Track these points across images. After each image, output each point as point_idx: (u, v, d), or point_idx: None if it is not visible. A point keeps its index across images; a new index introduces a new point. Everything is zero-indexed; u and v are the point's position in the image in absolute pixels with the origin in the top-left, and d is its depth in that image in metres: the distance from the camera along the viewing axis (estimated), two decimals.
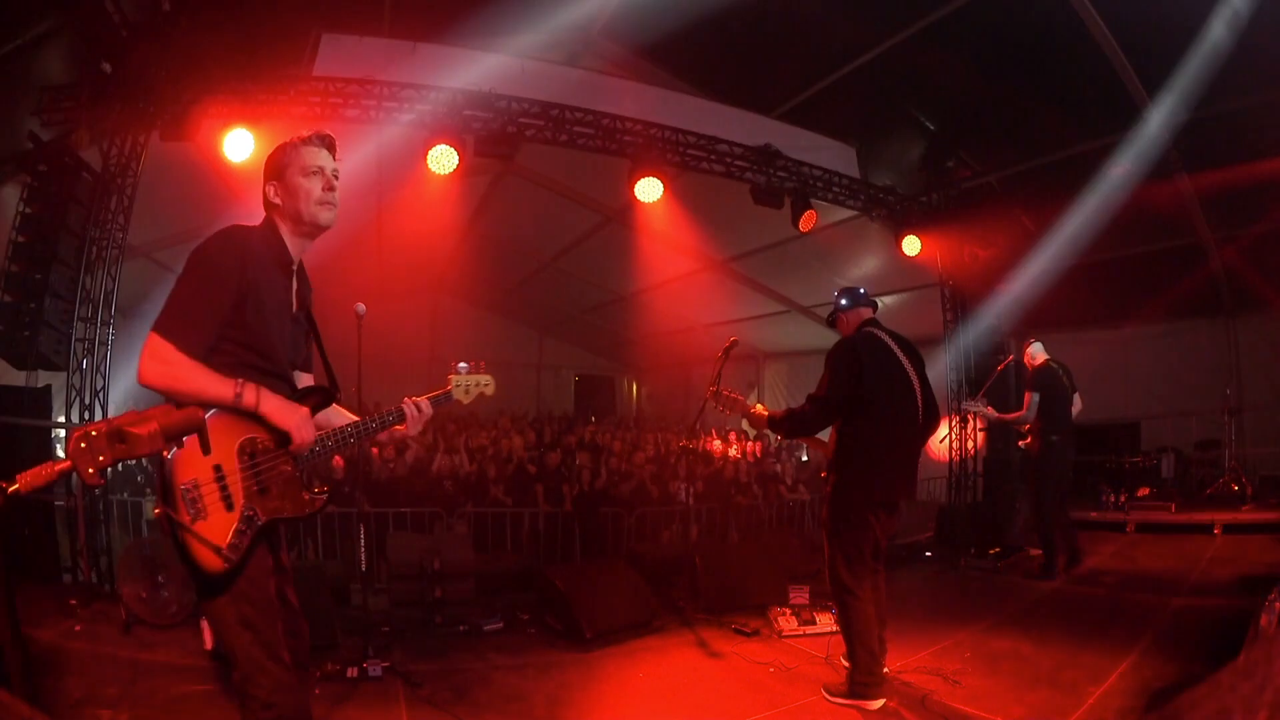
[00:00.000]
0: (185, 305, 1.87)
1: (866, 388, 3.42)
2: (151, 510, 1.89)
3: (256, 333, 1.98)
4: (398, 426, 2.27)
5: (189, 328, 1.85)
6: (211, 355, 1.91)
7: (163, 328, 1.82)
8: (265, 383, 1.98)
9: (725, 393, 3.72)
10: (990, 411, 6.01)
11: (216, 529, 1.82)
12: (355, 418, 2.26)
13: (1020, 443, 6.08)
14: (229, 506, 1.85)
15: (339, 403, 2.27)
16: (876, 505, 3.47)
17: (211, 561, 1.81)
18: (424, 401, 2.32)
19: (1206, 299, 8.66)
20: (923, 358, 3.67)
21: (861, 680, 3.36)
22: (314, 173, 2.09)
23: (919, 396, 3.57)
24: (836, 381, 3.45)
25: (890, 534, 3.65)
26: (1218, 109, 6.25)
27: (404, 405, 2.27)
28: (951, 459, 8.53)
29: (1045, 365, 5.89)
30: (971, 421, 8.48)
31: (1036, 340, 6.04)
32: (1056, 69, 6.52)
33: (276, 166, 2.11)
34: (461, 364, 2.46)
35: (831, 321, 3.88)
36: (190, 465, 1.81)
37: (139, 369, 1.80)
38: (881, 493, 3.48)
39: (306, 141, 2.12)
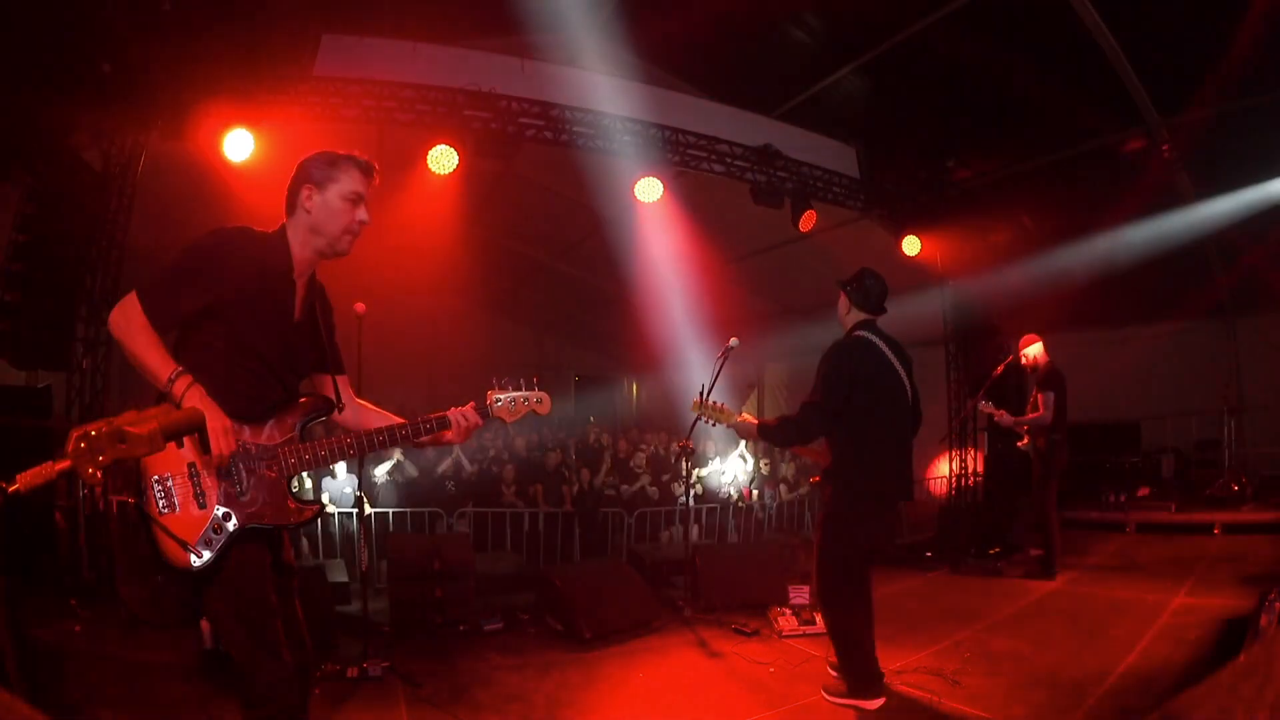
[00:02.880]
0: (166, 280, 1.95)
1: (863, 392, 3.38)
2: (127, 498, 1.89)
3: (247, 334, 1.99)
4: (445, 433, 2.21)
5: (160, 300, 1.92)
6: (203, 345, 1.95)
7: (141, 291, 1.92)
8: (252, 384, 2.00)
9: (711, 403, 3.63)
10: (1006, 416, 5.79)
11: (185, 525, 1.84)
12: (396, 419, 2.22)
13: (1019, 443, 5.97)
14: (201, 504, 1.87)
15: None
16: (876, 508, 3.46)
17: (179, 557, 1.83)
18: (470, 411, 2.24)
19: (1207, 299, 8.66)
20: (911, 360, 3.64)
21: (858, 682, 3.37)
22: (355, 200, 2.09)
23: (910, 400, 3.56)
24: (832, 386, 3.39)
25: (888, 537, 3.61)
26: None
27: (450, 414, 2.21)
28: (951, 459, 8.54)
29: (1053, 364, 5.81)
30: (971, 422, 8.48)
31: (1037, 339, 5.89)
32: (1057, 68, 6.53)
33: (321, 174, 2.07)
34: (509, 380, 2.30)
35: (843, 286, 3.68)
36: (164, 459, 1.83)
37: (110, 316, 1.95)
38: (881, 495, 3.48)
39: (358, 164, 2.10)
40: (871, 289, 3.61)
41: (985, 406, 5.84)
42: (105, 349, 5.40)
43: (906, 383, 3.54)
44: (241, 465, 1.93)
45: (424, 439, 2.20)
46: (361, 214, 2.10)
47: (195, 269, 1.95)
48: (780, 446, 3.79)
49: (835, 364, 3.43)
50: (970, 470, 8.50)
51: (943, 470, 8.93)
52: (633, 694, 3.66)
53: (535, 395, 2.33)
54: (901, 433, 3.54)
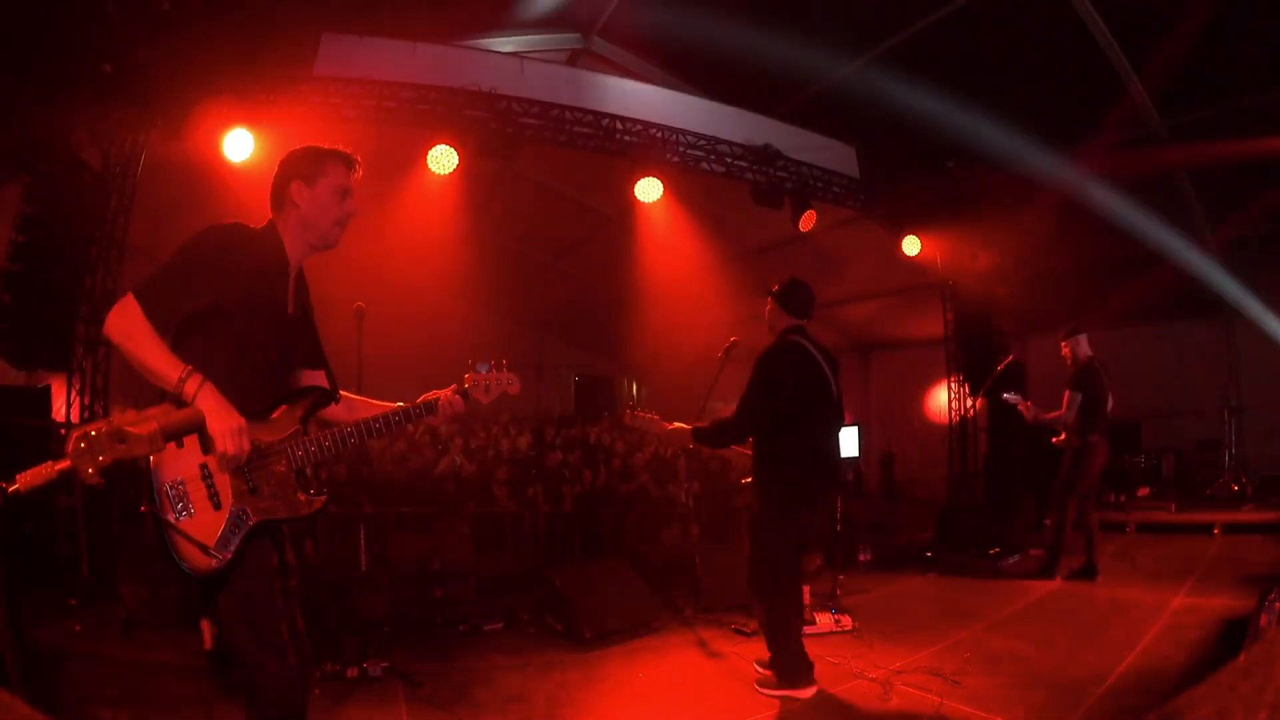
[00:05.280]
0: (165, 280, 1.90)
1: (793, 392, 3.57)
2: (139, 508, 1.87)
3: (248, 331, 1.99)
4: (428, 418, 2.32)
5: (160, 301, 1.87)
6: (204, 344, 1.92)
7: (139, 292, 1.86)
8: (256, 380, 2.00)
9: (640, 414, 3.81)
10: (1028, 410, 5.57)
11: (204, 528, 1.83)
12: (387, 405, 2.27)
13: (1054, 439, 5.69)
14: (216, 505, 1.86)
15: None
16: (802, 503, 3.62)
17: (200, 560, 1.82)
18: (454, 396, 2.34)
19: (1206, 299, 8.67)
20: (837, 363, 3.84)
21: (790, 672, 3.50)
22: (343, 194, 2.13)
23: (835, 401, 3.74)
24: (764, 389, 3.59)
25: (826, 529, 3.74)
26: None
27: (437, 400, 2.32)
28: (951, 458, 8.54)
29: (1089, 362, 5.50)
30: (972, 421, 8.48)
31: (1081, 332, 5.56)
32: (1057, 68, 6.53)
33: (311, 169, 2.10)
34: (481, 364, 2.42)
35: (770, 292, 3.87)
36: (176, 463, 1.82)
37: (107, 319, 1.86)
38: (810, 489, 3.63)
39: (345, 160, 2.14)
40: (800, 296, 3.81)
41: (1012, 397, 5.58)
42: (105, 349, 5.41)
43: (833, 384, 3.73)
44: (253, 462, 1.93)
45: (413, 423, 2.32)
46: (349, 206, 2.15)
47: (195, 267, 1.93)
48: (717, 448, 4.01)
49: (768, 366, 3.63)
50: (970, 470, 8.49)
51: (943, 469, 8.92)
52: (633, 694, 3.66)
53: (507, 377, 2.44)
54: (829, 430, 3.73)
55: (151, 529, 1.81)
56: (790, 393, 3.56)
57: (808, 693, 3.48)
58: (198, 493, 1.84)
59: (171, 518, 1.80)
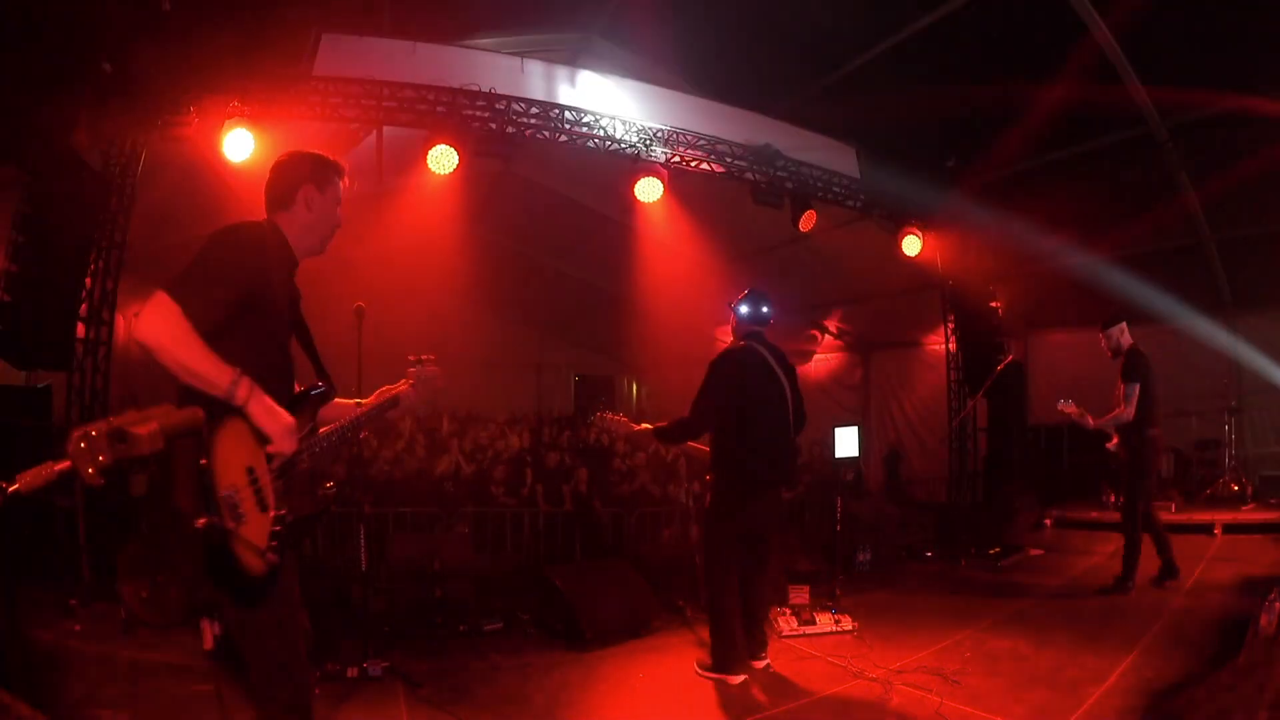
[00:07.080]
0: (202, 279, 1.80)
1: (743, 394, 3.78)
2: (195, 521, 1.81)
3: (273, 328, 2.01)
4: (392, 411, 2.44)
5: (200, 301, 1.75)
6: (225, 343, 1.82)
7: (175, 291, 1.72)
8: (278, 380, 2.00)
9: (608, 416, 4.05)
10: (1089, 419, 5.04)
11: (256, 531, 1.81)
12: (354, 403, 2.33)
13: (1108, 444, 5.22)
14: (263, 508, 1.84)
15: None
16: (750, 496, 3.81)
17: (255, 564, 1.80)
18: (409, 391, 2.46)
19: (1206, 299, 8.66)
20: (794, 368, 4.08)
21: (724, 657, 3.70)
22: (339, 204, 2.21)
23: (789, 403, 3.94)
24: (715, 390, 3.81)
25: (771, 523, 4.00)
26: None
27: (400, 395, 2.45)
28: (951, 458, 8.54)
29: (1137, 349, 5.05)
30: (972, 421, 8.48)
31: (1121, 320, 5.16)
32: (1057, 67, 6.53)
33: (322, 179, 2.14)
34: (415, 361, 2.54)
35: (729, 304, 4.13)
36: (229, 470, 1.79)
37: (139, 323, 1.70)
38: (755, 484, 3.81)
39: (343, 175, 2.22)
40: (756, 307, 4.06)
41: (1068, 407, 5.08)
42: (105, 349, 5.41)
43: (787, 388, 3.94)
44: (287, 460, 1.94)
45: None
46: (340, 215, 2.24)
47: (227, 264, 1.87)
48: (673, 445, 4.26)
49: (719, 369, 3.86)
50: (970, 470, 8.49)
51: (943, 469, 8.91)
52: (633, 694, 3.66)
53: (435, 371, 2.54)
54: (779, 430, 3.91)
55: (214, 541, 1.74)
56: (737, 392, 3.77)
57: (736, 679, 3.67)
58: (247, 498, 1.81)
59: (231, 525, 1.76)
